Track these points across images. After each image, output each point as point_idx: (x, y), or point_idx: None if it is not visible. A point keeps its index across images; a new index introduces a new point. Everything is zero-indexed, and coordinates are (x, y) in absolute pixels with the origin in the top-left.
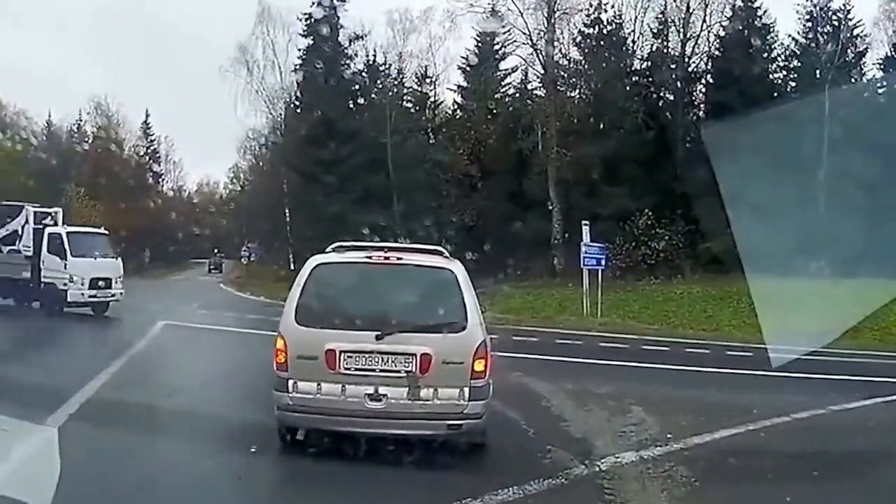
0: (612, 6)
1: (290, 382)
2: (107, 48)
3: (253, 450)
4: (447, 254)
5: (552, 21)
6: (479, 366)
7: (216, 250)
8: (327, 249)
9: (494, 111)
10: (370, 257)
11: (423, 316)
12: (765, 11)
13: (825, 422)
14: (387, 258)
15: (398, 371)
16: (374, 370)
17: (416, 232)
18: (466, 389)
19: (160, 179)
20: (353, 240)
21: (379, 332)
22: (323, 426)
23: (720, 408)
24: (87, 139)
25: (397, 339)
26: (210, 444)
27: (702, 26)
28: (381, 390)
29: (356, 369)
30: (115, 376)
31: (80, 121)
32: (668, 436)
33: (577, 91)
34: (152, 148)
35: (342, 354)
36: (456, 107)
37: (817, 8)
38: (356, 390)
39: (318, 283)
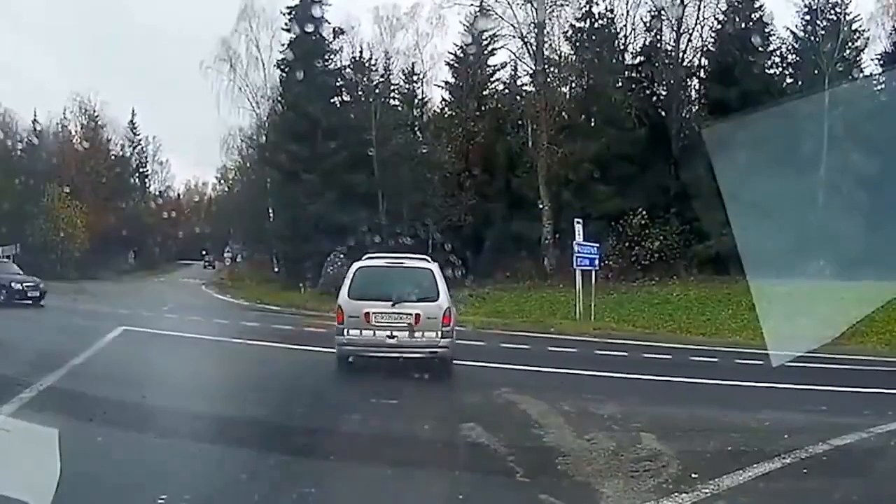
0: None
1: (345, 330)
2: (92, 47)
3: None
4: (430, 259)
5: (542, 13)
6: (445, 321)
7: (204, 251)
8: (364, 258)
9: (483, 107)
10: (386, 262)
11: (414, 291)
12: (761, 5)
13: (874, 449)
14: (395, 262)
15: (403, 323)
16: (390, 322)
17: (401, 232)
18: (439, 332)
19: (146, 180)
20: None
21: (392, 301)
22: (362, 353)
23: (745, 433)
24: (71, 138)
25: (402, 306)
26: None
27: (696, 19)
28: (394, 333)
29: (380, 322)
30: (34, 399)
31: (65, 119)
32: (693, 476)
33: (569, 86)
34: (139, 148)
35: (373, 314)
36: (444, 104)
37: (816, 0)
38: (380, 333)
39: (359, 276)
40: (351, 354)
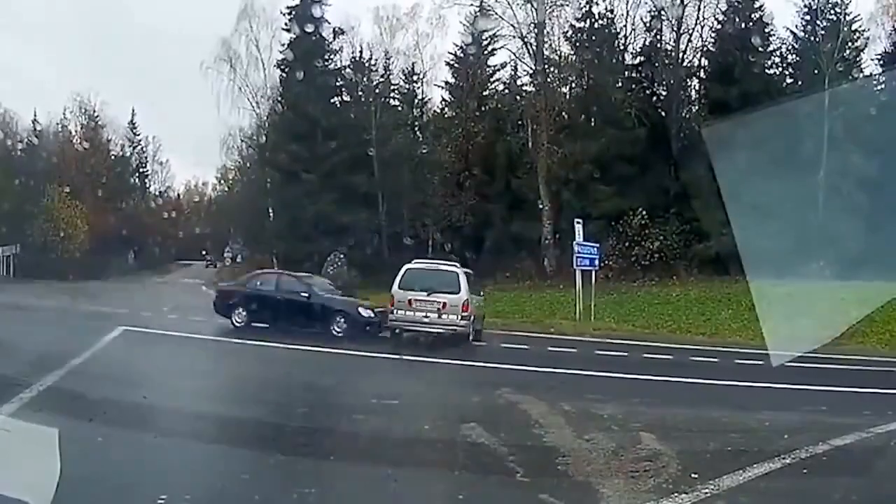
0: None
1: (394, 311)
2: (92, 47)
3: None
4: (458, 265)
5: (542, 13)
6: (464, 308)
7: (204, 252)
8: (412, 262)
9: (483, 108)
10: (425, 265)
11: (444, 287)
12: (761, 5)
13: (874, 449)
14: (431, 265)
15: (434, 307)
16: (425, 307)
17: (401, 232)
18: (459, 316)
19: (146, 180)
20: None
21: (428, 292)
22: (406, 328)
23: (745, 433)
24: (71, 138)
25: (434, 296)
26: None
27: (696, 20)
28: (428, 314)
29: (418, 306)
30: (34, 399)
31: (65, 119)
32: (693, 476)
33: (569, 86)
34: (139, 148)
35: (414, 300)
36: (444, 104)
37: (816, 0)
38: (419, 314)
39: (407, 274)
40: (398, 328)
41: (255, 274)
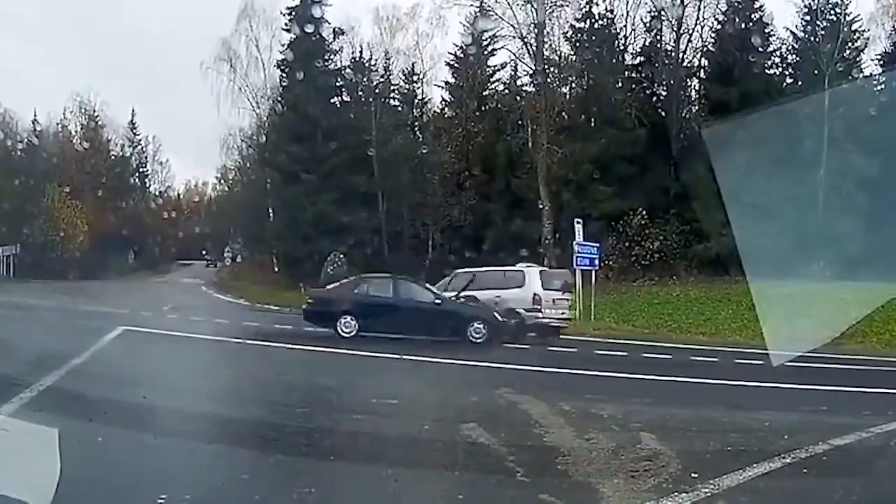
0: None
1: (541, 310)
2: (92, 47)
3: None
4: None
5: (542, 14)
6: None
7: (204, 251)
8: (536, 266)
9: (483, 108)
10: (549, 267)
11: (569, 285)
12: (761, 5)
13: (874, 449)
14: (556, 268)
15: (566, 303)
16: (564, 303)
17: (401, 231)
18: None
19: (146, 180)
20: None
21: (563, 290)
22: (548, 324)
23: (745, 432)
24: (71, 138)
25: (566, 293)
26: None
27: (696, 20)
28: (564, 310)
29: (557, 304)
30: (34, 399)
31: (65, 119)
32: (693, 475)
33: (569, 87)
34: (139, 148)
35: (555, 299)
36: (444, 104)
37: (816, 0)
38: (559, 310)
39: (543, 275)
40: (541, 325)
41: (360, 279)
